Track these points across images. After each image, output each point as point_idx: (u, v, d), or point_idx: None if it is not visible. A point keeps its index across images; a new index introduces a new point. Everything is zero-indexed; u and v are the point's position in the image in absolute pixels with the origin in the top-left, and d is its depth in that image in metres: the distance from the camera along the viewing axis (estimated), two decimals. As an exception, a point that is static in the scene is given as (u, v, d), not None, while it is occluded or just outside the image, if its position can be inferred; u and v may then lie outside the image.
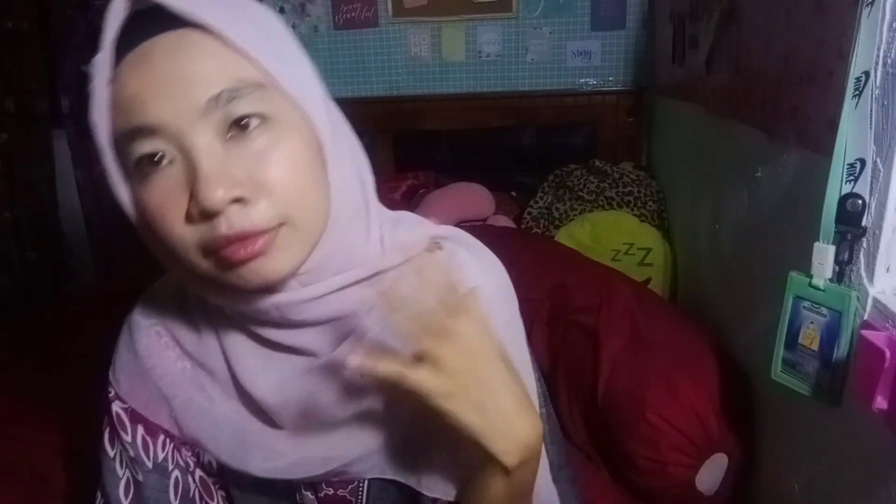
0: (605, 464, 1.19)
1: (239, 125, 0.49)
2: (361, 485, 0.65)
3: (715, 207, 1.35)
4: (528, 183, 2.34)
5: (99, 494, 0.67)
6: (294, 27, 2.52)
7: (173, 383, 0.62)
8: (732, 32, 1.21)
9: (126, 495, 0.64)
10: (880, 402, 0.61)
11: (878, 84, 0.65)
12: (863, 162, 0.66)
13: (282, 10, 2.51)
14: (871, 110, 0.65)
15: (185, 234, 0.49)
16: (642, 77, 2.34)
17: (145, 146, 0.48)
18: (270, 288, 0.53)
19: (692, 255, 1.66)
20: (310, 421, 0.61)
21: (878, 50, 0.64)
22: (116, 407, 0.65)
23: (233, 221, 0.48)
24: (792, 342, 0.76)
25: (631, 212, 1.99)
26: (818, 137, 0.80)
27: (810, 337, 0.74)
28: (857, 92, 0.66)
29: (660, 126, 2.21)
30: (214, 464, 0.67)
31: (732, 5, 1.20)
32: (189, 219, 0.49)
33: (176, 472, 0.65)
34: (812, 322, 0.74)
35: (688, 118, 1.66)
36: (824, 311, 0.72)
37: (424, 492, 0.62)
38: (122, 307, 0.68)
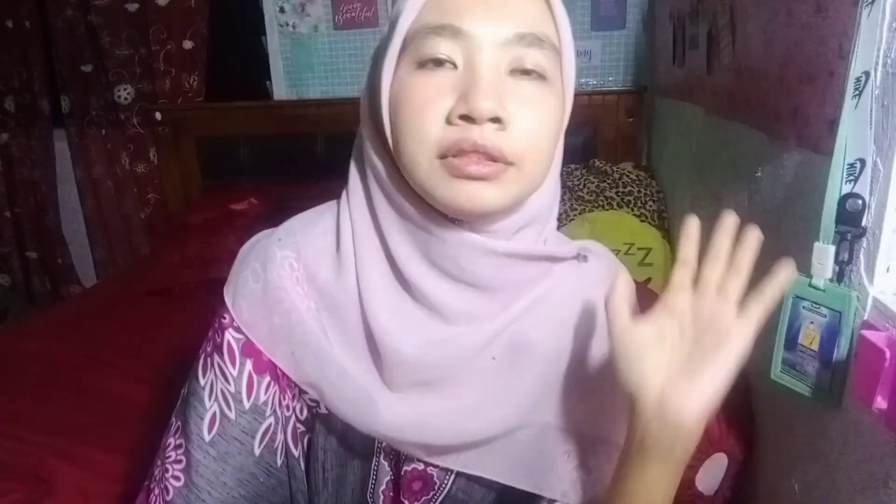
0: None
1: (523, 71, 0.54)
2: (448, 476, 0.66)
3: (716, 208, 1.35)
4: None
5: (176, 421, 0.65)
6: (294, 27, 2.52)
7: (301, 320, 0.61)
8: (733, 33, 1.21)
9: (210, 429, 0.62)
10: (880, 402, 0.61)
11: (878, 84, 0.65)
12: (863, 162, 0.66)
13: (282, 10, 2.51)
14: (871, 110, 0.65)
15: (436, 131, 0.52)
16: (642, 77, 2.34)
17: (441, 46, 0.53)
18: (465, 222, 0.57)
19: (692, 255, 1.65)
20: (434, 387, 0.61)
21: (878, 50, 0.64)
22: (230, 336, 0.63)
23: (486, 135, 0.51)
24: (792, 342, 0.76)
25: (631, 212, 1.99)
26: (818, 138, 0.80)
27: (810, 337, 0.74)
28: (857, 92, 0.66)
29: (660, 126, 2.21)
30: (305, 412, 0.66)
31: (735, 6, 1.20)
32: (448, 119, 0.52)
33: (270, 420, 0.64)
34: (812, 322, 0.74)
35: (688, 118, 1.66)
36: (824, 311, 0.72)
37: (545, 494, 0.65)
38: (124, 309, 0.68)
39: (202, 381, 0.63)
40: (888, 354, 0.60)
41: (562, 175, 2.37)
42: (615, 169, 2.12)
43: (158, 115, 2.59)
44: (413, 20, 0.55)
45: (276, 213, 0.96)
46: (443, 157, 0.52)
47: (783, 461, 0.97)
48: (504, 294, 0.61)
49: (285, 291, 0.61)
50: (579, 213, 2.03)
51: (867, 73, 0.65)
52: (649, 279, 1.79)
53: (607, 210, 2.01)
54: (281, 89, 2.61)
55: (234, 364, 0.62)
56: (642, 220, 1.95)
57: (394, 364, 0.60)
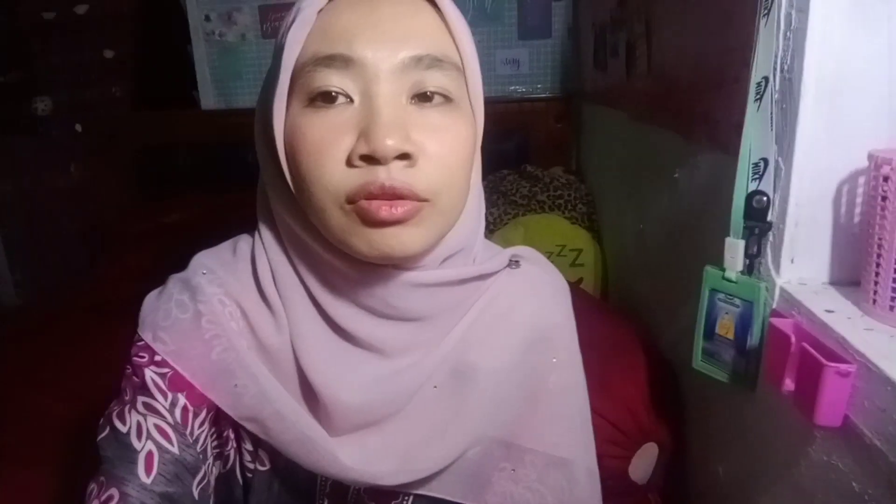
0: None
1: (425, 96, 0.50)
2: (406, 500, 0.62)
3: (639, 208, 1.40)
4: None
5: (98, 487, 0.54)
6: (221, 35, 2.47)
7: (240, 358, 0.56)
8: (650, 41, 1.27)
9: (148, 471, 0.54)
10: (788, 384, 0.65)
11: (777, 88, 0.70)
12: (766, 161, 0.71)
13: (207, 19, 2.46)
14: (771, 113, 0.70)
15: (338, 175, 0.48)
16: (569, 84, 2.41)
17: (332, 79, 0.49)
18: (385, 265, 0.53)
19: (620, 254, 1.72)
20: (379, 426, 0.58)
21: (776, 57, 0.69)
22: (151, 373, 0.56)
23: (393, 174, 0.48)
24: (710, 332, 0.81)
25: (562, 215, 2.04)
26: (727, 139, 0.85)
27: (726, 327, 0.78)
28: (758, 96, 0.71)
29: (587, 131, 2.27)
30: (248, 443, 0.61)
31: (650, 16, 1.26)
32: (349, 162, 0.48)
33: (204, 463, 0.58)
34: (727, 313, 0.78)
35: (612, 123, 1.72)
36: (737, 301, 0.76)
37: None
38: (47, 328, 0.65)
39: (122, 429, 0.55)
40: (793, 339, 0.65)
41: (495, 180, 2.40)
42: (546, 173, 2.17)
43: (79, 127, 2.50)
44: (298, 53, 0.51)
45: (214, 224, 0.94)
46: (351, 202, 0.49)
47: (709, 447, 1.02)
48: (440, 320, 0.59)
49: (221, 327, 0.56)
50: (512, 217, 2.07)
51: (766, 78, 0.70)
52: (581, 279, 1.84)
53: (539, 213, 2.06)
54: (209, 98, 2.55)
55: (165, 397, 0.56)
56: (573, 223, 2.01)
57: (336, 412, 0.56)
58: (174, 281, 0.60)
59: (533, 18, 2.37)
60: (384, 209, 0.48)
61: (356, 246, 0.50)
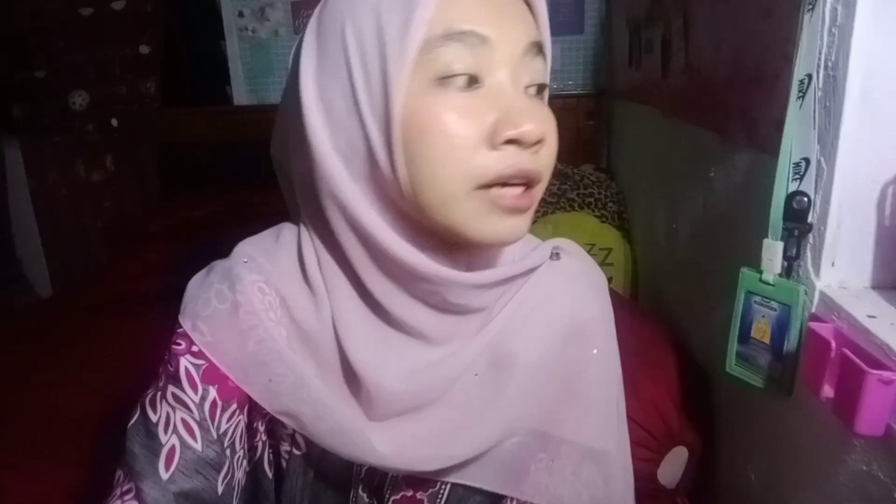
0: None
1: (537, 87, 0.51)
2: (443, 488, 0.62)
3: (672, 207, 1.38)
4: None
5: (121, 473, 0.55)
6: (254, 31, 2.50)
7: (276, 349, 0.56)
8: (686, 37, 1.24)
9: (168, 466, 0.54)
10: (827, 391, 0.63)
11: (820, 86, 0.68)
12: (807, 161, 0.69)
13: (241, 15, 2.49)
14: (814, 111, 0.68)
15: (478, 159, 0.47)
16: (601, 81, 2.38)
17: (466, 57, 0.47)
18: (459, 256, 0.54)
19: (651, 254, 1.69)
20: (417, 413, 0.58)
21: (820, 53, 0.67)
22: (186, 362, 0.57)
23: (531, 158, 0.48)
24: (745, 336, 0.79)
25: (592, 213, 2.02)
26: (766, 138, 0.83)
27: (762, 330, 0.76)
28: (800, 94, 0.69)
29: (619, 129, 2.25)
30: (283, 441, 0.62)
31: (687, 11, 1.24)
32: (489, 145, 0.47)
33: (229, 456, 0.58)
34: (763, 316, 0.76)
35: (645, 121, 1.69)
36: (775, 305, 0.74)
37: (530, 499, 0.61)
38: (80, 319, 0.66)
39: (153, 418, 0.56)
40: (834, 345, 0.63)
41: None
42: (576, 171, 2.15)
43: (115, 122, 2.54)
44: (424, 32, 0.46)
45: (236, 221, 0.95)
46: (484, 187, 0.48)
47: (740, 452, 1.00)
48: (485, 311, 0.59)
49: (258, 317, 0.56)
50: (542, 215, 2.05)
51: (809, 76, 0.68)
52: (610, 279, 1.82)
53: (569, 211, 2.04)
54: (241, 94, 2.58)
55: (195, 390, 0.56)
56: (603, 221, 1.99)
57: (379, 399, 0.56)
58: (217, 268, 0.59)
59: (565, 14, 2.35)
60: (518, 197, 0.49)
61: (477, 230, 0.50)
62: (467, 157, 0.47)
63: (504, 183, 0.48)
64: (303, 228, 0.59)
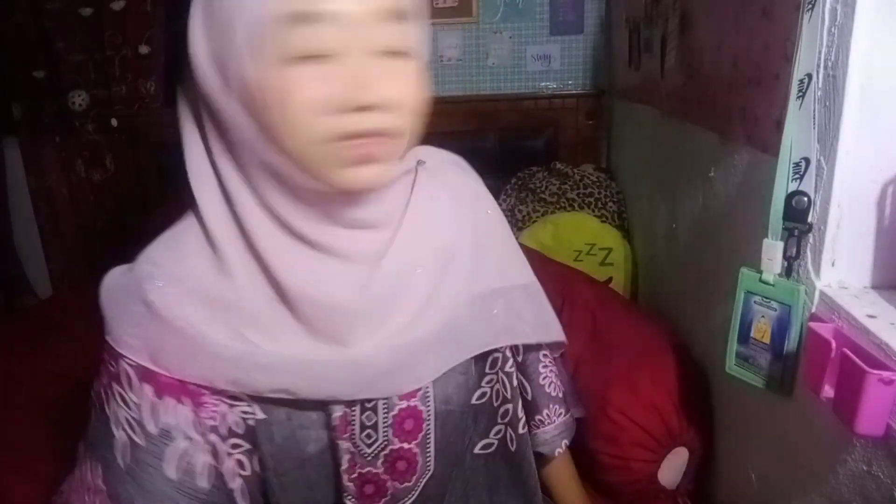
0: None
1: (392, 52, 0.55)
2: (428, 389, 0.69)
3: (672, 207, 1.38)
4: (490, 186, 2.34)
5: (87, 455, 0.64)
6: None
7: (205, 331, 0.59)
8: (685, 37, 1.24)
9: (123, 457, 0.62)
10: (827, 391, 0.63)
11: (819, 85, 0.68)
12: (807, 160, 0.69)
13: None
14: (814, 111, 0.68)
15: (322, 123, 0.52)
16: (601, 80, 2.38)
17: (311, 39, 0.51)
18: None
19: (651, 254, 1.69)
20: (379, 322, 0.63)
21: (819, 53, 0.67)
22: (125, 364, 0.61)
23: (375, 119, 0.53)
24: (745, 336, 0.79)
25: (592, 213, 2.02)
26: (766, 138, 0.83)
27: (762, 330, 0.76)
28: (800, 93, 0.69)
29: (618, 128, 2.25)
30: (242, 426, 0.64)
31: (686, 11, 1.23)
32: (335, 110, 0.52)
33: (182, 443, 0.62)
34: (763, 316, 0.76)
35: (645, 120, 1.69)
36: (774, 305, 0.74)
37: (504, 342, 0.75)
38: (81, 320, 0.67)
39: (107, 411, 0.63)
40: (834, 345, 0.63)
41: (524, 177, 2.39)
42: (576, 171, 2.15)
43: (115, 122, 2.54)
44: (267, 10, 0.51)
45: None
46: (333, 142, 0.53)
47: (741, 452, 0.99)
48: (392, 223, 0.65)
49: (176, 309, 0.59)
50: (541, 215, 2.05)
51: (809, 75, 0.68)
52: (610, 279, 1.82)
53: (569, 211, 2.04)
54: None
55: (133, 391, 0.61)
56: (603, 221, 1.98)
57: (329, 315, 0.61)
58: (124, 277, 0.63)
59: (565, 14, 2.34)
60: (372, 146, 0.54)
61: (343, 180, 0.55)
62: (318, 122, 0.52)
63: (357, 137, 0.53)
64: (205, 202, 0.61)
